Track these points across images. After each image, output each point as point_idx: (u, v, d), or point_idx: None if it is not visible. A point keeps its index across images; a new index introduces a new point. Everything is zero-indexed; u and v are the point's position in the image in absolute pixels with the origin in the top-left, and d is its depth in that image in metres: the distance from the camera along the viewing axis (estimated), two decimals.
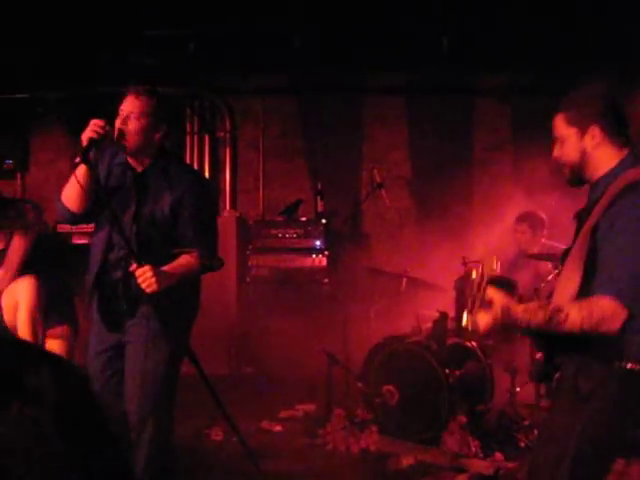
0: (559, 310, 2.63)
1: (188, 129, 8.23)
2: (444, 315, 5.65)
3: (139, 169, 3.71)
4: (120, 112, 3.60)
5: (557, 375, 2.90)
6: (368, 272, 6.73)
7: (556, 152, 2.91)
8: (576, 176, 2.89)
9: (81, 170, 3.51)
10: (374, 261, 7.86)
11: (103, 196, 3.62)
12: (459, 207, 7.78)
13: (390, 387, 5.50)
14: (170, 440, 3.79)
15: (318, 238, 7.24)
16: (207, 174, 8.18)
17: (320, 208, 7.48)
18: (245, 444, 3.96)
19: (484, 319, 2.72)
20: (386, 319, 6.29)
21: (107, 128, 3.48)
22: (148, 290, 3.43)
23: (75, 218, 3.75)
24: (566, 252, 2.90)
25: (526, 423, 5.42)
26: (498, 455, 5.08)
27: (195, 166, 8.13)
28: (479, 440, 5.16)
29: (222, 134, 8.17)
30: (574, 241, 2.84)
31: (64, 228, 7.48)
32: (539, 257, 5.87)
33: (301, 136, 8.24)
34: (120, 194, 3.68)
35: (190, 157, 8.21)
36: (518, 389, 5.58)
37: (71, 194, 3.62)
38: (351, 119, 8.20)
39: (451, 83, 7.96)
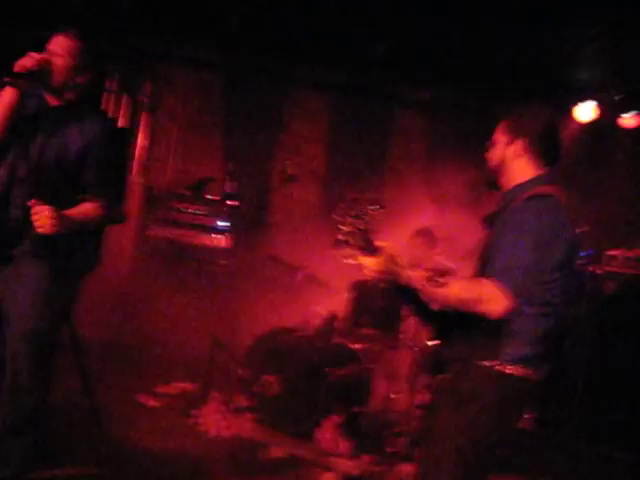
0: (441, 274, 2.74)
1: (107, 86, 8.03)
2: (333, 315, 5.71)
3: (55, 104, 3.63)
4: (47, 48, 3.52)
5: (440, 376, 2.99)
6: (267, 260, 6.72)
7: (487, 154, 3.09)
8: (492, 179, 3.06)
9: (8, 93, 3.41)
10: (274, 251, 7.85)
11: (19, 126, 3.50)
12: None
13: (271, 377, 5.53)
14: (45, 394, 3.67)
15: (222, 218, 7.18)
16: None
17: (228, 189, 7.43)
18: (95, 409, 3.85)
19: (371, 262, 2.78)
20: (277, 310, 6.31)
21: (44, 64, 3.43)
22: (41, 230, 3.33)
23: None
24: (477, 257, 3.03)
25: (397, 430, 5.53)
26: (366, 457, 5.17)
27: None
28: (350, 441, 5.24)
29: (142, 98, 8.02)
30: (482, 244, 2.99)
31: None
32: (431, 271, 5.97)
33: (221, 114, 8.16)
34: (29, 128, 3.56)
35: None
36: (394, 396, 5.69)
37: None
38: (274, 107, 8.18)
39: (377, 88, 8.03)
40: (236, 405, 5.59)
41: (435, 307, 2.97)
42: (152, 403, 5.65)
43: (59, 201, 3.44)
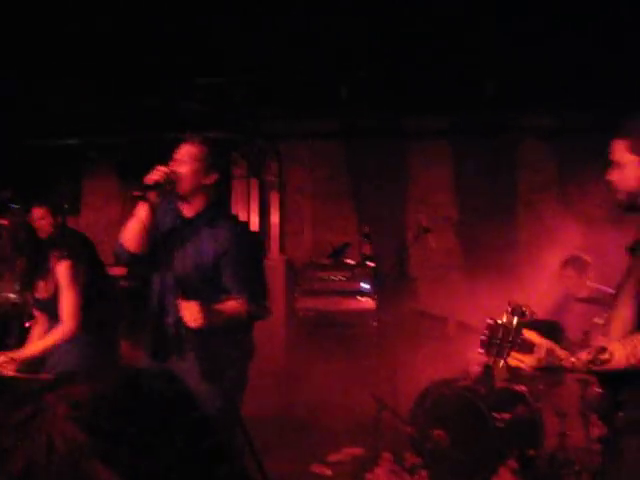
0: (603, 349, 2.63)
1: (236, 173, 8.36)
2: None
3: (189, 215, 3.83)
4: (174, 157, 3.77)
5: (620, 414, 2.86)
6: (415, 315, 6.74)
7: (613, 176, 2.91)
8: (632, 203, 2.88)
9: (143, 208, 3.64)
10: (421, 304, 7.86)
11: (160, 240, 3.77)
12: (505, 249, 7.77)
13: (440, 432, 5.49)
14: None
15: (365, 281, 7.27)
16: (255, 218, 8.29)
17: (367, 251, 7.53)
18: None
19: (527, 360, 2.71)
20: (434, 363, 6.29)
21: (171, 175, 3.65)
22: (192, 324, 3.52)
23: (132, 259, 3.83)
24: (620, 287, 2.89)
25: (577, 468, 5.37)
26: None
27: (243, 210, 8.27)
28: None
29: (270, 178, 8.29)
30: (627, 274, 2.85)
31: (115, 272, 7.62)
32: (587, 300, 5.84)
33: (347, 179, 8.32)
34: (170, 240, 3.81)
35: (238, 201, 8.32)
36: (568, 433, 5.54)
37: (130, 233, 3.74)
38: (396, 162, 8.27)
39: (494, 124, 8.00)
40: (409, 464, 5.58)
41: None
42: (326, 472, 5.72)
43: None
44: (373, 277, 7.29)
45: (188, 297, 3.60)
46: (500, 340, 2.74)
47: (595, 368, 2.65)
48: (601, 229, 6.62)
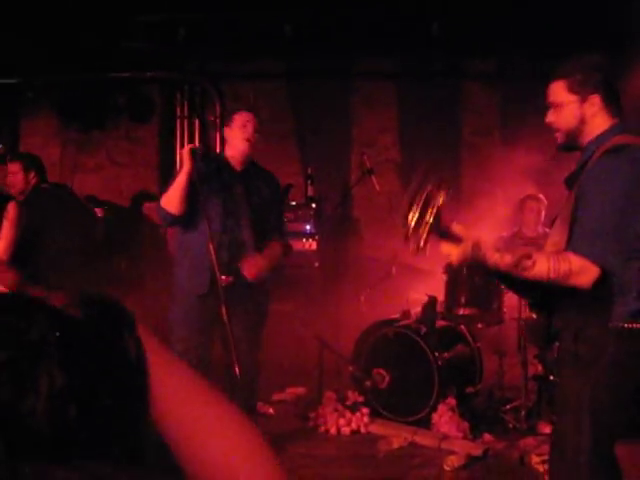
0: (528, 256, 2.72)
1: (178, 113, 8.26)
2: (433, 299, 5.72)
3: (239, 169, 4.55)
4: (246, 126, 4.46)
5: (556, 344, 3.01)
6: (358, 259, 6.80)
7: (551, 117, 2.99)
8: (570, 141, 2.98)
9: (184, 176, 4.27)
10: (364, 245, 7.92)
11: (213, 191, 4.40)
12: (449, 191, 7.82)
13: (381, 370, 5.58)
14: None
15: (308, 222, 7.28)
16: None
17: (310, 192, 7.53)
18: None
19: (454, 251, 2.78)
20: (376, 303, 6.35)
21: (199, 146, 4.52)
22: (252, 279, 4.37)
23: (175, 220, 4.44)
24: (557, 216, 3.00)
25: (514, 404, 5.52)
26: (487, 436, 5.18)
27: None
28: (468, 422, 5.25)
29: (212, 118, 8.20)
30: (563, 204, 2.95)
31: None
32: (534, 241, 5.92)
33: (291, 121, 8.27)
34: (223, 192, 4.48)
35: (181, 141, 8.24)
36: (506, 371, 5.68)
37: (174, 198, 4.33)
38: (341, 104, 8.24)
39: (440, 68, 8.00)
40: (351, 402, 5.67)
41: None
42: (270, 411, 5.79)
43: (258, 247, 4.48)
44: (316, 218, 7.29)
45: (247, 244, 4.44)
46: (419, 214, 2.75)
47: (516, 272, 2.73)
48: (543, 173, 6.71)
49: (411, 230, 2.73)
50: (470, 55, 7.94)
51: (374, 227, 8.08)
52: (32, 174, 5.73)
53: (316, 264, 7.19)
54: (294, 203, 7.41)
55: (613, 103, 2.93)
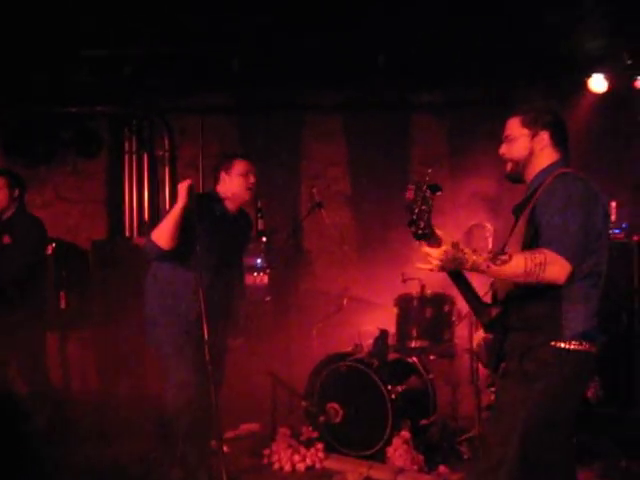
0: (503, 252, 2.92)
1: (127, 148, 8.18)
2: (384, 332, 5.72)
3: (232, 210, 4.87)
4: (247, 175, 4.88)
5: (503, 365, 3.14)
6: (309, 292, 6.79)
7: (504, 149, 3.31)
8: (518, 171, 3.27)
9: (178, 210, 4.34)
10: (316, 278, 7.89)
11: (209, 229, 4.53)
12: (398, 222, 7.84)
13: (334, 405, 5.55)
14: None
15: (259, 256, 7.24)
16: (146, 193, 8.14)
17: (260, 226, 7.45)
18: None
19: (435, 253, 2.89)
20: (328, 337, 6.32)
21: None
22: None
23: (162, 254, 4.46)
24: (504, 243, 3.22)
25: (469, 435, 5.52)
26: (442, 468, 5.17)
27: (134, 185, 8.12)
28: (423, 454, 5.25)
29: (161, 153, 8.14)
30: (511, 232, 3.19)
31: None
32: None
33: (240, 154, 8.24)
34: (217, 233, 4.63)
35: (129, 176, 8.15)
36: (459, 402, 5.69)
37: (166, 233, 4.39)
38: (289, 137, 8.24)
39: (387, 99, 8.06)
40: (305, 437, 5.62)
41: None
42: (224, 449, 5.70)
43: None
44: (267, 252, 7.26)
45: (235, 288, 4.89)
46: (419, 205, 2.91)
47: (495, 267, 2.85)
48: (492, 201, 6.79)
49: (415, 216, 2.89)
50: (417, 86, 8.01)
51: (325, 259, 8.07)
52: (16, 192, 5.72)
53: (267, 298, 7.15)
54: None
55: (560, 142, 3.25)
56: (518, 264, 2.83)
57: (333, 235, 7.81)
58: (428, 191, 2.88)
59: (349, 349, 5.83)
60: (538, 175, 3.19)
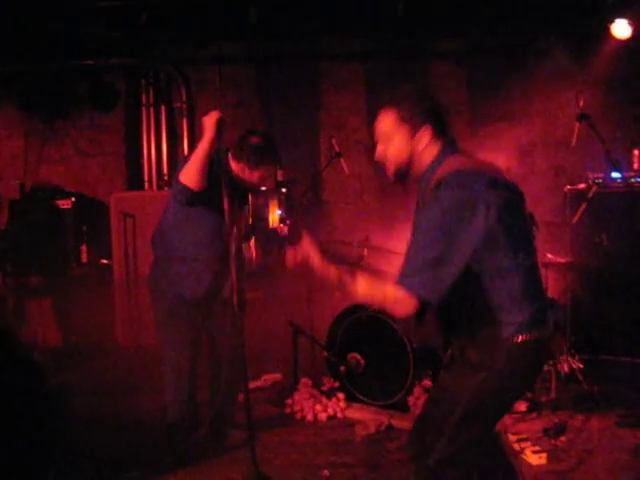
0: (354, 281, 2.73)
1: (144, 101, 8.14)
2: None
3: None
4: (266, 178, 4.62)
5: (448, 352, 3.00)
6: (329, 242, 6.76)
7: (379, 153, 2.91)
8: (402, 174, 2.89)
9: (206, 145, 4.06)
10: (336, 228, 7.88)
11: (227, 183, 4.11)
12: None
13: (355, 355, 5.57)
14: None
15: (279, 207, 7.22)
16: (165, 145, 8.12)
17: (280, 177, 7.46)
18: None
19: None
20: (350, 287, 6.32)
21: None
22: None
23: (194, 197, 4.17)
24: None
25: None
26: None
27: (152, 138, 8.11)
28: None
29: (178, 105, 8.09)
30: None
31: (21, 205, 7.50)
32: None
33: (258, 105, 8.19)
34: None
35: (147, 129, 8.13)
36: None
37: (192, 171, 4.09)
38: (308, 87, 8.17)
39: (406, 47, 7.95)
40: (326, 387, 5.66)
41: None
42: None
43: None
44: (286, 203, 7.24)
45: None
46: None
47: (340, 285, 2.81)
48: (513, 149, 6.71)
49: None
50: (436, 34, 7.90)
51: (345, 210, 8.05)
52: None
53: (289, 248, 7.13)
54: (264, 188, 7.32)
55: (441, 130, 2.84)
56: (360, 289, 2.72)
57: (353, 185, 7.81)
58: None
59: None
60: (425, 174, 2.82)
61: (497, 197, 2.67)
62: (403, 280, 2.62)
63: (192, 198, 4.18)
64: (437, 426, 2.90)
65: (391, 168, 2.89)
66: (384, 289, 2.66)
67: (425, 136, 2.81)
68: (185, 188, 4.12)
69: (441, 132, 2.83)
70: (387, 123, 2.85)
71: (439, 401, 3.00)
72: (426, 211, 2.73)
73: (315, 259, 2.87)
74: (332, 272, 2.81)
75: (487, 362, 2.78)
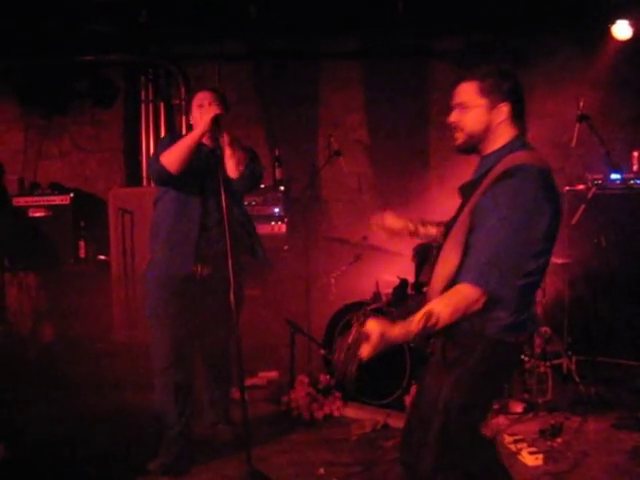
0: (430, 315, 2.67)
1: (143, 97, 8.12)
2: (404, 281, 5.69)
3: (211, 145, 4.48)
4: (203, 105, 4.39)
5: (431, 340, 2.99)
6: (327, 240, 6.76)
7: (455, 117, 2.92)
8: (471, 145, 2.92)
9: (197, 135, 4.17)
10: (334, 227, 7.87)
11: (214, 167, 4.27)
12: (417, 171, 7.82)
13: None
14: None
15: (277, 205, 7.22)
16: None
17: (278, 175, 7.46)
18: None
19: (365, 349, 2.80)
20: (346, 285, 6.33)
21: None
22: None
23: (170, 180, 4.24)
24: (448, 226, 2.95)
25: None
26: None
27: (151, 134, 8.09)
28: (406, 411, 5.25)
29: (177, 101, 8.07)
30: (456, 216, 2.89)
31: (20, 202, 7.48)
32: None
33: (257, 103, 8.18)
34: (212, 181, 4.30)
35: (146, 125, 8.11)
36: None
37: (176, 157, 4.16)
38: (307, 84, 8.15)
39: (406, 46, 7.95)
40: (323, 385, 5.65)
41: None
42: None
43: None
44: (285, 201, 7.23)
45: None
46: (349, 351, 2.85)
47: (429, 332, 2.71)
48: None
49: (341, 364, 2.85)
50: (436, 33, 7.89)
51: (343, 208, 8.05)
52: None
53: (285, 247, 7.14)
54: (262, 186, 7.31)
55: (519, 115, 2.90)
56: (446, 321, 2.67)
57: (351, 183, 7.80)
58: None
59: (367, 298, 5.82)
60: (491, 155, 2.86)
61: (559, 199, 2.80)
62: (477, 279, 2.68)
63: (167, 180, 4.27)
64: (420, 433, 2.92)
65: (462, 137, 2.91)
66: (462, 301, 2.69)
67: (503, 112, 2.85)
68: (163, 169, 4.20)
69: (518, 115, 2.89)
70: (468, 93, 2.89)
71: (419, 405, 3.03)
72: (493, 205, 2.71)
73: (392, 334, 2.77)
74: (414, 326, 2.71)
75: (462, 358, 2.81)
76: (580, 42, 7.17)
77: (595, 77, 6.98)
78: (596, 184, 6.08)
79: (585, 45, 7.13)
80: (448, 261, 2.78)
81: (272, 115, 8.14)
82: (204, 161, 4.39)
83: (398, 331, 2.73)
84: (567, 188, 6.37)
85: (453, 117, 2.92)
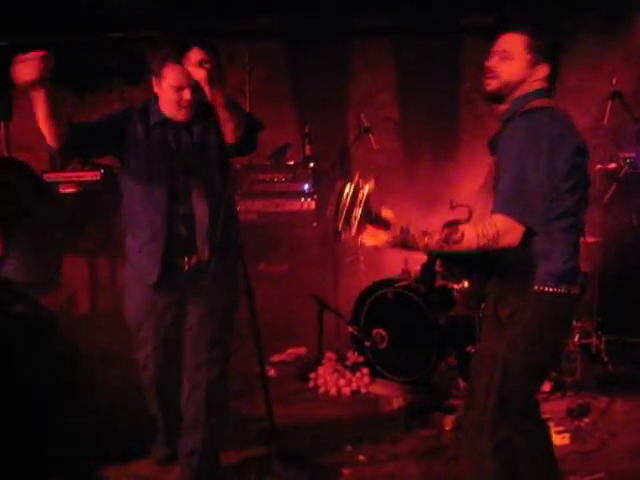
0: (455, 230, 2.68)
1: None
2: (432, 258, 5.67)
3: (184, 119, 3.83)
4: (184, 94, 3.74)
5: (483, 305, 3.07)
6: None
7: (495, 63, 2.96)
8: (500, 94, 2.96)
9: (37, 102, 3.44)
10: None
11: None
12: (447, 148, 7.77)
13: (380, 330, 5.57)
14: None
15: (306, 181, 7.20)
16: None
17: (308, 152, 7.44)
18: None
19: (381, 236, 2.73)
20: (375, 262, 6.32)
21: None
22: None
23: (59, 152, 3.70)
24: (482, 184, 2.99)
25: None
26: None
27: None
28: (468, 381, 5.24)
29: None
30: (488, 170, 2.94)
31: (51, 177, 7.49)
32: None
33: (288, 80, 8.16)
34: (167, 149, 3.82)
35: None
36: None
37: (42, 129, 3.51)
38: (338, 62, 8.12)
39: (438, 22, 7.88)
40: (351, 362, 5.67)
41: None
42: (271, 373, 5.78)
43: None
44: (314, 178, 7.22)
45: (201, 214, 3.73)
46: (348, 206, 2.71)
47: (448, 247, 2.69)
48: None
49: (342, 221, 2.70)
50: (469, 9, 7.81)
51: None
52: None
53: (314, 224, 7.13)
54: (292, 163, 7.32)
55: (552, 79, 2.97)
56: (470, 243, 2.65)
57: (381, 161, 7.77)
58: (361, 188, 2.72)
59: (396, 275, 5.81)
60: (515, 102, 2.92)
61: (582, 140, 2.87)
62: (505, 209, 2.69)
63: (62, 154, 3.82)
64: (483, 394, 2.92)
65: (494, 84, 2.95)
66: (492, 228, 2.66)
67: (541, 72, 2.92)
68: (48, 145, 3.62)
69: (552, 79, 2.95)
70: (515, 44, 2.93)
71: (479, 367, 3.01)
72: (516, 140, 2.77)
73: (414, 232, 2.73)
74: (436, 237, 2.69)
75: (515, 318, 2.82)
76: (615, 19, 7.06)
77: (628, 52, 6.88)
78: (628, 162, 6.01)
79: (619, 22, 7.02)
80: (482, 210, 2.84)
81: (302, 92, 8.12)
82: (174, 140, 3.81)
83: (420, 233, 2.71)
84: (599, 166, 6.28)
85: (492, 62, 2.97)
